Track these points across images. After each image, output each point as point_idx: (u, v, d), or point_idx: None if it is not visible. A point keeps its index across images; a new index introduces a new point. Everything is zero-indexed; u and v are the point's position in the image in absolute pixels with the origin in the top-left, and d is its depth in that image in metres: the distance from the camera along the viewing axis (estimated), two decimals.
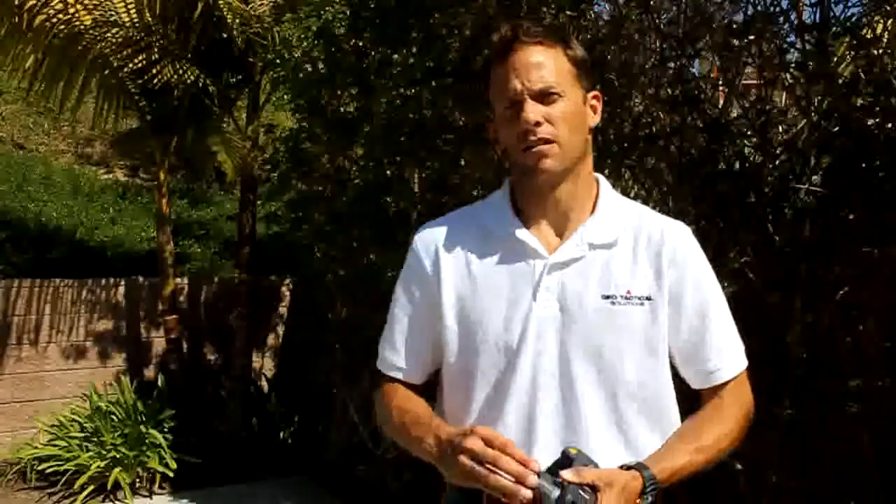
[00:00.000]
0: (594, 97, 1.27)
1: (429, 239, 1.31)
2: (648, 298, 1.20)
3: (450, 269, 1.26)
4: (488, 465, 1.04)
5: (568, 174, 1.22)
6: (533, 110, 1.17)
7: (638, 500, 1.09)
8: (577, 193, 1.25)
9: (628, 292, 1.20)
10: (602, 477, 1.06)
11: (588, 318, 1.18)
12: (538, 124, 1.17)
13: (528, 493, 1.03)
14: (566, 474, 1.06)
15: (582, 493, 1.04)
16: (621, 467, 1.11)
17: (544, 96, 1.18)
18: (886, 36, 1.94)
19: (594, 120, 1.27)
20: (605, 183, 1.31)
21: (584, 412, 1.18)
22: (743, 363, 1.28)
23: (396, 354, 1.32)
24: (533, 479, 1.04)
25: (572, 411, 1.18)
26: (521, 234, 1.23)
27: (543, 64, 1.19)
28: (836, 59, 2.01)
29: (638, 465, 1.11)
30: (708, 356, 1.24)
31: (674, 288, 1.22)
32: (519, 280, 1.22)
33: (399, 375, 1.32)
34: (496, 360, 1.21)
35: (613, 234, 1.24)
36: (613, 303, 1.19)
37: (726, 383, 1.25)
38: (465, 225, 1.30)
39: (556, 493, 1.04)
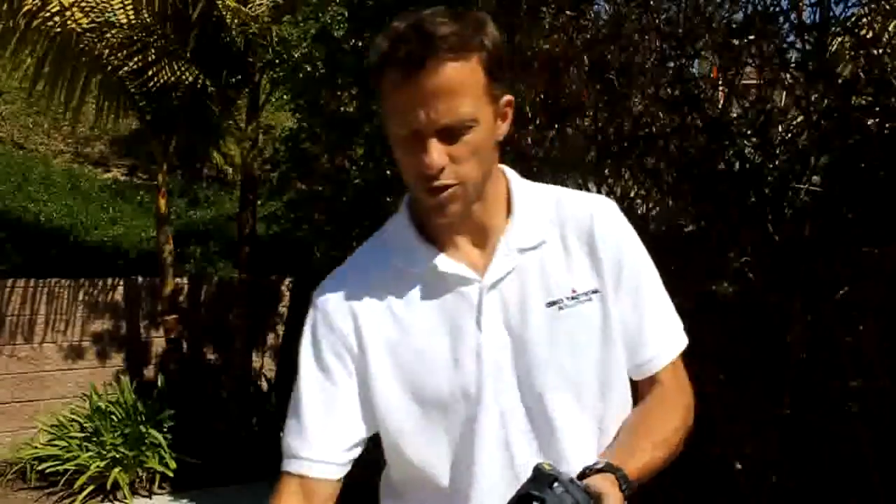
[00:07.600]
0: (507, 104, 1.06)
1: (335, 298, 1.11)
2: (595, 291, 1.09)
3: (370, 324, 1.09)
4: None
5: (475, 202, 1.07)
6: (437, 152, 0.98)
7: None
8: (488, 206, 1.10)
9: (573, 291, 1.08)
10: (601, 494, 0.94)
11: (538, 332, 1.07)
12: (442, 169, 0.99)
13: None
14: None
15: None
16: (589, 468, 0.99)
17: (452, 130, 0.98)
18: (886, 36, 1.94)
19: (504, 130, 1.08)
20: (511, 175, 1.15)
21: (557, 424, 1.07)
22: (680, 343, 1.16)
23: (306, 445, 1.09)
24: None
25: (543, 429, 1.08)
26: (441, 263, 1.08)
27: (455, 90, 0.97)
28: (836, 58, 2.01)
29: (608, 465, 0.99)
30: (644, 343, 1.12)
31: (612, 271, 1.10)
32: (455, 313, 1.07)
33: (308, 471, 1.08)
34: (456, 408, 1.07)
35: (539, 232, 1.10)
36: (561, 308, 1.07)
37: (663, 370, 1.14)
38: (374, 270, 1.12)
39: None
